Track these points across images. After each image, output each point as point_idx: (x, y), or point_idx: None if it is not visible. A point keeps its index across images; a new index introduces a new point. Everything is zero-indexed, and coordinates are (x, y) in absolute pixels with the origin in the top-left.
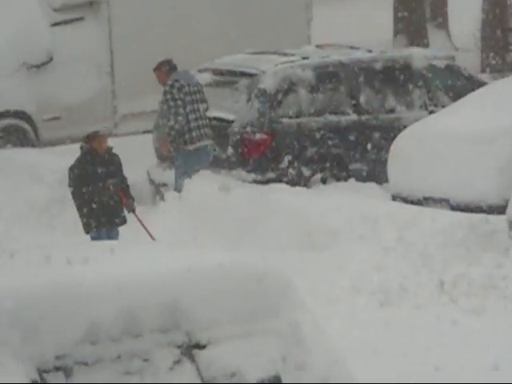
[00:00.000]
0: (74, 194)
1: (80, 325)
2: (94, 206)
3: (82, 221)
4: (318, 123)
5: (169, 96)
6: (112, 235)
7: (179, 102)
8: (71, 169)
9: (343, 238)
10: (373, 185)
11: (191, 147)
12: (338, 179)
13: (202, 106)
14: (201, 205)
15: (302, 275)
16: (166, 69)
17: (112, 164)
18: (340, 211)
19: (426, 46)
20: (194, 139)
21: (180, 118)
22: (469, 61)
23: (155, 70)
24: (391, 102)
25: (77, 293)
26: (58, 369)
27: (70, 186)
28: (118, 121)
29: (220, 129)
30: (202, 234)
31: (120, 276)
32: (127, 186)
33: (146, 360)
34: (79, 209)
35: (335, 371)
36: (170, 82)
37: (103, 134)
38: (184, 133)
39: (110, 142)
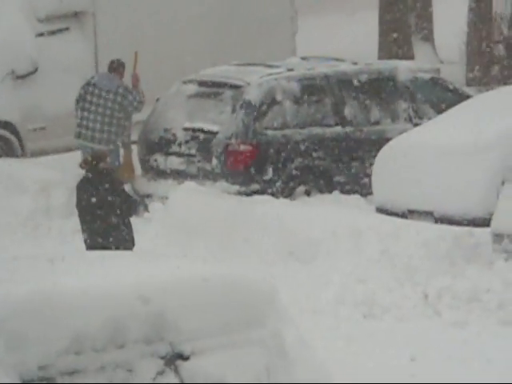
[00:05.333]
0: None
1: (64, 335)
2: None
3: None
4: (302, 135)
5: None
6: None
7: (76, 96)
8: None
9: (327, 250)
10: (357, 197)
11: (75, 141)
12: (323, 191)
13: (99, 110)
14: (186, 216)
15: (286, 287)
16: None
17: None
18: (324, 223)
19: (411, 58)
20: (75, 134)
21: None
22: (454, 73)
23: None
24: (376, 114)
25: (62, 302)
26: (41, 379)
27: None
28: None
29: (204, 140)
30: (187, 245)
31: (105, 286)
32: None
33: (129, 371)
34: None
35: (318, 382)
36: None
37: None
38: None
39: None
